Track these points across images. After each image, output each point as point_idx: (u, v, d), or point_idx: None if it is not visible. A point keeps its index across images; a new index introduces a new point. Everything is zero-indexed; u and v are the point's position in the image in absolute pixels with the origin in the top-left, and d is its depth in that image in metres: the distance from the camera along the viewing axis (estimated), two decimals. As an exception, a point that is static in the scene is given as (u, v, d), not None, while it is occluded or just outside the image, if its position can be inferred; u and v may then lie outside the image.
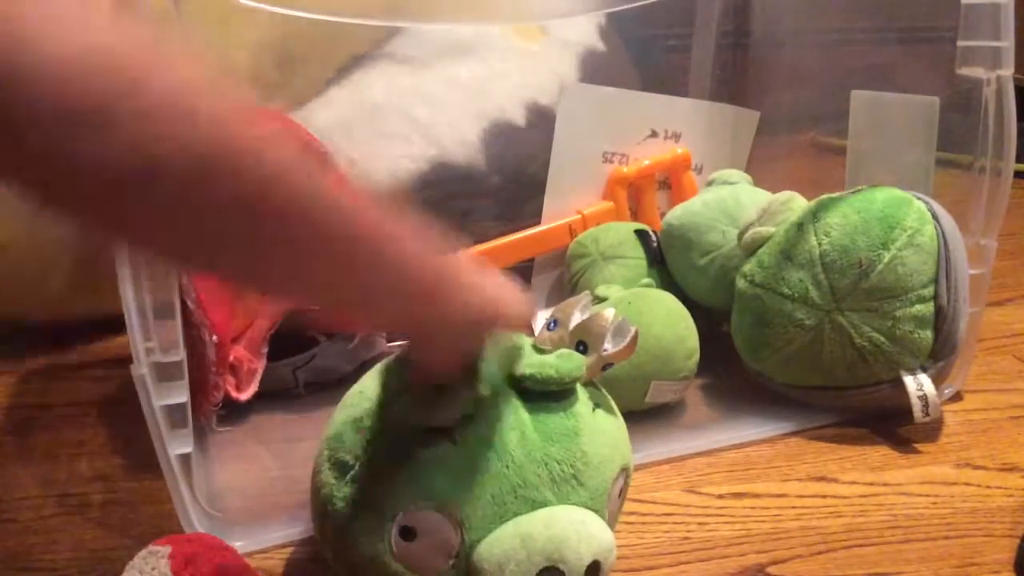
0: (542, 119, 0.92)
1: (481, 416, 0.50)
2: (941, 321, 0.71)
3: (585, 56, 0.96)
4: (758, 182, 0.88)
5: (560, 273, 0.94)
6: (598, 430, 0.53)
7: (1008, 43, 0.71)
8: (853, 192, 0.75)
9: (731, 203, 0.83)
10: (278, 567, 0.59)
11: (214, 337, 0.68)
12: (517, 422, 0.50)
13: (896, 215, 0.71)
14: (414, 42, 0.93)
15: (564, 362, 0.52)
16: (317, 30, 0.87)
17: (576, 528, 0.49)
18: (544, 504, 0.49)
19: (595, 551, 0.49)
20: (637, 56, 1.01)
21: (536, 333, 0.58)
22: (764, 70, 1.05)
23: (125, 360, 0.55)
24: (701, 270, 0.83)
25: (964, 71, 0.73)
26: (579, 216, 0.93)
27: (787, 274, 0.74)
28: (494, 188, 0.91)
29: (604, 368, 0.55)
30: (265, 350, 0.76)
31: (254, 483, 0.69)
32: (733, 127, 0.98)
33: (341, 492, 0.50)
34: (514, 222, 0.93)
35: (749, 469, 0.70)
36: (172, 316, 0.55)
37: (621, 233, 0.87)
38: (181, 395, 0.56)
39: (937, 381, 0.72)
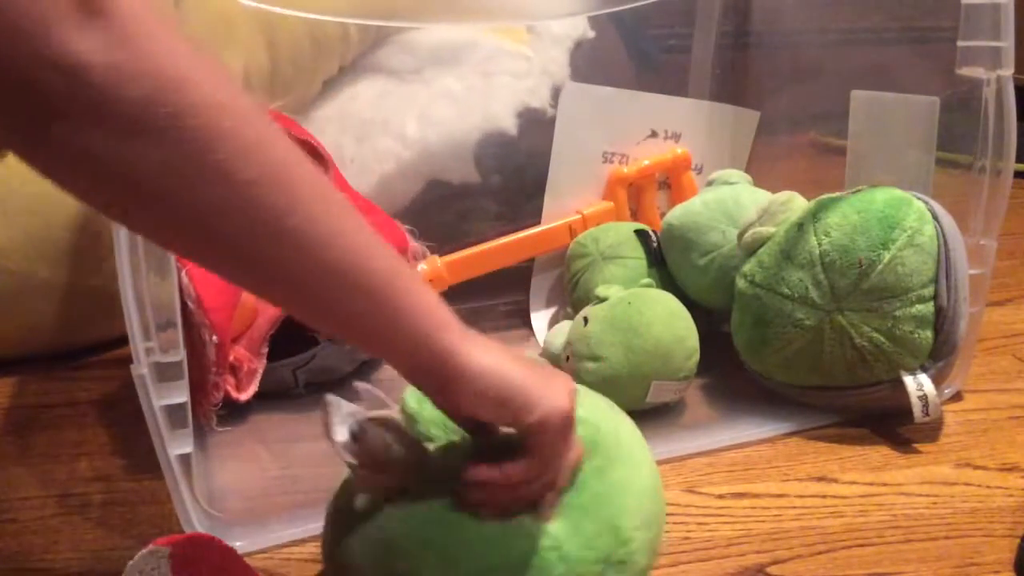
0: (534, 124, 0.91)
1: None
2: (941, 321, 0.71)
3: (575, 51, 0.95)
4: (758, 182, 0.88)
5: (560, 273, 0.94)
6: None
7: (1008, 43, 0.71)
8: (853, 192, 0.75)
9: (731, 203, 0.83)
10: (278, 567, 0.59)
11: (214, 337, 0.69)
12: None
13: (896, 215, 0.71)
14: (399, 48, 0.93)
15: None
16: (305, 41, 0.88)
17: None
18: None
19: None
20: (637, 56, 1.01)
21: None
22: (764, 70, 1.05)
23: (125, 360, 0.55)
24: (701, 270, 0.83)
25: (964, 71, 0.73)
26: (579, 216, 0.93)
27: (787, 274, 0.74)
28: (492, 190, 0.91)
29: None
30: (265, 350, 0.76)
31: (254, 483, 0.69)
32: (733, 127, 0.98)
33: None
34: (514, 222, 0.93)
35: (749, 469, 0.70)
36: (172, 316, 0.55)
37: (621, 233, 0.87)
38: (181, 395, 0.56)
39: (937, 381, 0.72)
